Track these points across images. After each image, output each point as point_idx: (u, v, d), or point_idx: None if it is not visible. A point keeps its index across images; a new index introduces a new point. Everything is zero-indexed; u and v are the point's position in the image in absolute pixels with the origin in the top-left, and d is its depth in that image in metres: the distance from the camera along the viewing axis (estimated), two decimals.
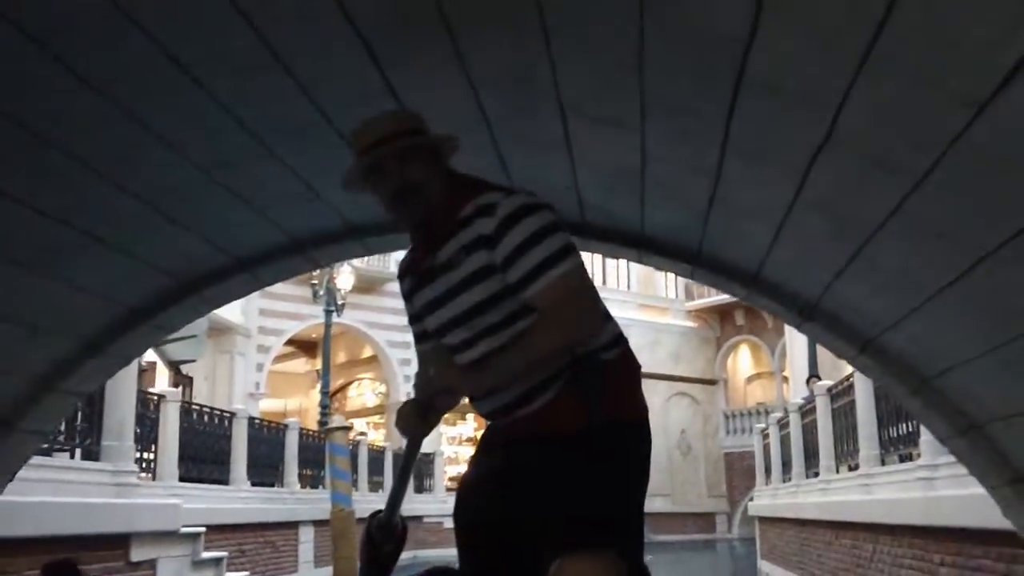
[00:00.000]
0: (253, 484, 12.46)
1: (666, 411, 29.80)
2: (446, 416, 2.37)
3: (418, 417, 2.11)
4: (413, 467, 2.31)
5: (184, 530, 7.39)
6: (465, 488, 2.30)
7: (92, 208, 2.77)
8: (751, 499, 18.59)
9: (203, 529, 7.90)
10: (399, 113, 2.20)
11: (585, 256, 2.32)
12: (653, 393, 29.49)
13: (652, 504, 28.89)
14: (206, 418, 11.35)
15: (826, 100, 1.94)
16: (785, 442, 13.63)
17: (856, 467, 9.11)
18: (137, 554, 6.53)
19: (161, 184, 2.80)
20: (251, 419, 12.90)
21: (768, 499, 15.05)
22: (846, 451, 9.87)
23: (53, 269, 2.99)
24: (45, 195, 2.61)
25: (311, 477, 14.95)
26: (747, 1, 1.74)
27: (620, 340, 2.16)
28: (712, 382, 31.37)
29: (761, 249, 3.06)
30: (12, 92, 2.15)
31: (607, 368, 2.09)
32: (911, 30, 1.60)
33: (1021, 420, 2.85)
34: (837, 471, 10.22)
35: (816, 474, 11.08)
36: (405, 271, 2.29)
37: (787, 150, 2.27)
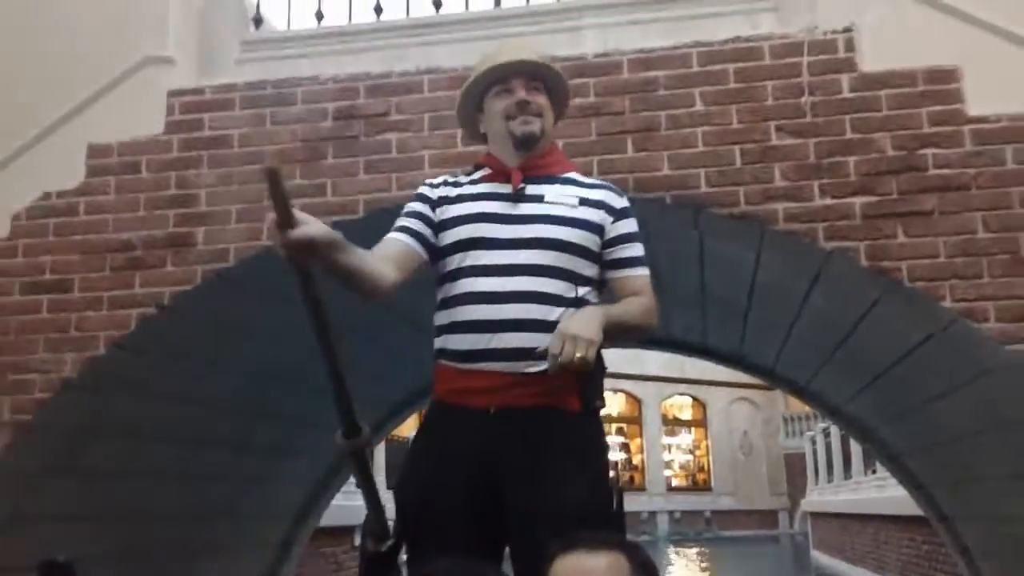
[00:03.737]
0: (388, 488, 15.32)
1: (728, 414, 32.04)
2: None
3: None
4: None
5: None
6: (425, 472, 2.11)
7: None
8: (803, 496, 20.98)
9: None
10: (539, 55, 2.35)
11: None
12: (715, 398, 31.85)
13: (719, 502, 31.32)
14: None
15: (783, 324, 4.59)
16: (829, 448, 16.09)
17: (875, 470, 11.61)
18: (358, 541, 9.25)
19: None
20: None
21: (817, 496, 17.53)
22: (872, 457, 12.35)
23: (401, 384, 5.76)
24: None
25: None
26: (745, 283, 4.40)
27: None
28: (771, 387, 33.40)
29: (771, 361, 5.70)
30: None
31: (604, 366, 2.15)
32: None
33: (915, 454, 5.42)
34: (865, 473, 12.69)
35: (850, 476, 13.57)
36: (467, 182, 2.29)
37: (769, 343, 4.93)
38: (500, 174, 2.22)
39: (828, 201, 3.20)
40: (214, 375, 3.83)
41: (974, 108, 3.16)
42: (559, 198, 2.17)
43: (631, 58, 3.39)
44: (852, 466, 13.34)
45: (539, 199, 2.16)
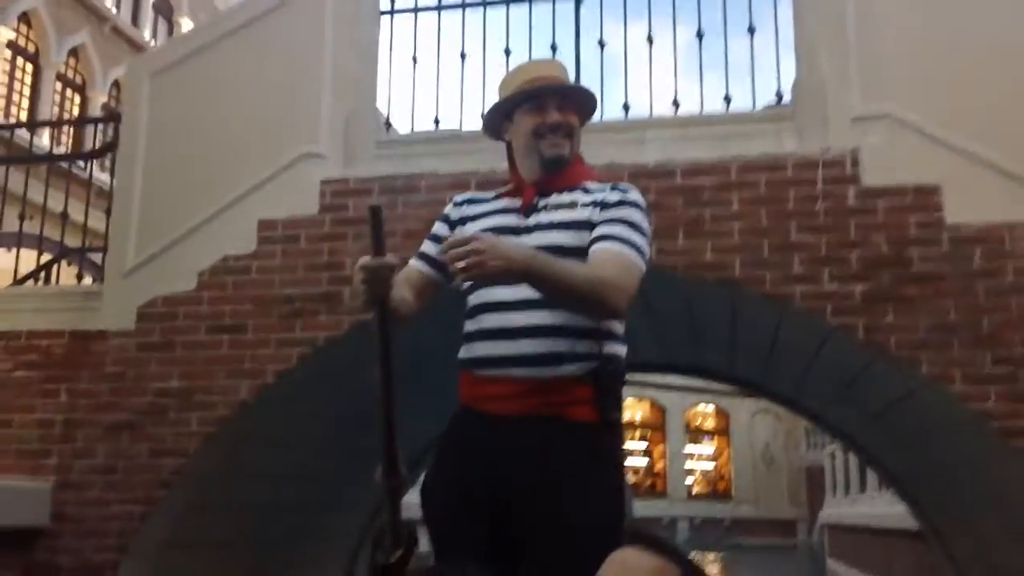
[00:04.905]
0: None
1: (751, 426, 32.82)
2: None
3: None
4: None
5: None
6: (449, 482, 2.15)
7: None
8: (820, 508, 21.82)
9: None
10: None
11: None
12: (740, 410, 32.66)
13: (739, 510, 32.14)
14: None
15: (799, 367, 5.53)
16: (847, 463, 16.94)
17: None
18: None
19: None
20: None
21: (834, 509, 18.38)
22: None
23: None
24: None
25: None
26: (767, 340, 5.35)
27: (623, 360, 2.20)
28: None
29: (790, 392, 6.64)
30: None
31: (622, 377, 2.17)
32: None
33: (912, 478, 6.34)
34: (879, 489, 13.55)
35: (865, 491, 14.43)
36: (491, 199, 2.33)
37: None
38: (519, 190, 2.27)
39: (835, 286, 4.16)
40: (347, 397, 4.84)
41: (951, 217, 4.11)
42: (560, 204, 2.19)
43: (683, 167, 4.36)
44: (867, 482, 14.20)
45: (544, 208, 2.20)
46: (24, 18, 14.60)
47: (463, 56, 4.80)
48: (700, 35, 4.56)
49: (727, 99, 4.53)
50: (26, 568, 4.46)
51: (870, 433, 5.98)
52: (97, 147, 5.18)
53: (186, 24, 18.01)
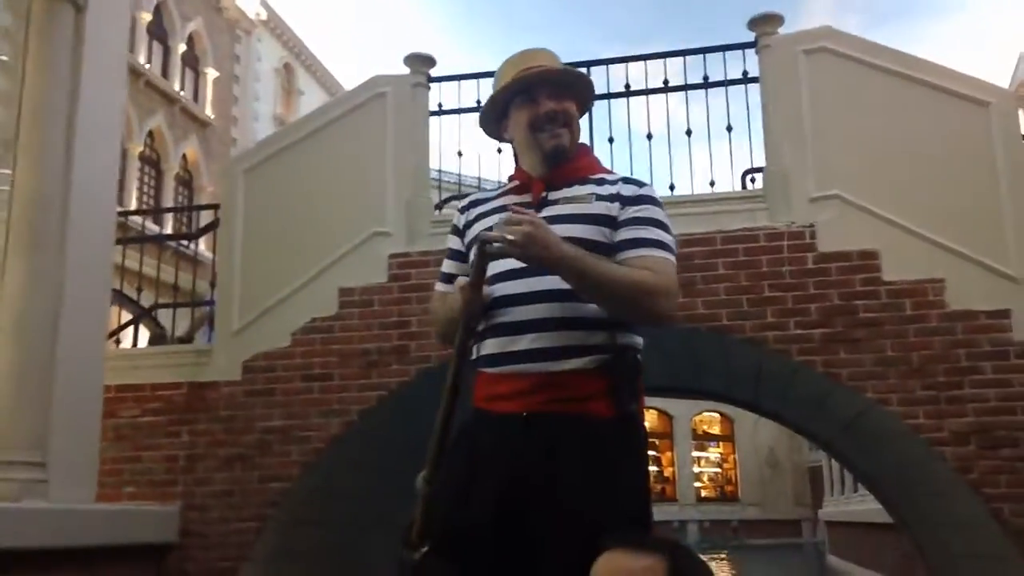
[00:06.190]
0: None
1: (755, 431, 33.79)
2: None
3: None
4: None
5: None
6: (459, 481, 2.03)
7: None
8: (821, 507, 22.90)
9: None
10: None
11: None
12: (743, 415, 33.64)
13: (746, 512, 33.18)
14: None
15: (780, 391, 6.67)
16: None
17: None
18: None
19: None
20: None
21: (832, 507, 19.49)
22: None
23: None
24: None
25: None
26: (753, 372, 6.49)
27: (641, 352, 2.15)
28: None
29: (777, 409, 7.75)
30: None
31: (639, 368, 2.11)
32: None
33: (881, 479, 7.45)
34: None
35: (858, 489, 15.52)
36: (494, 196, 2.25)
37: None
38: (525, 186, 2.19)
39: (799, 331, 5.30)
40: (417, 431, 5.98)
41: (887, 276, 5.25)
42: (575, 197, 2.11)
43: (678, 238, 5.47)
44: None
45: (556, 202, 2.11)
46: None
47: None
48: (688, 132, 5.71)
49: (712, 183, 5.67)
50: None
51: (843, 441, 7.09)
52: (199, 229, 6.33)
53: (211, 74, 19.35)
